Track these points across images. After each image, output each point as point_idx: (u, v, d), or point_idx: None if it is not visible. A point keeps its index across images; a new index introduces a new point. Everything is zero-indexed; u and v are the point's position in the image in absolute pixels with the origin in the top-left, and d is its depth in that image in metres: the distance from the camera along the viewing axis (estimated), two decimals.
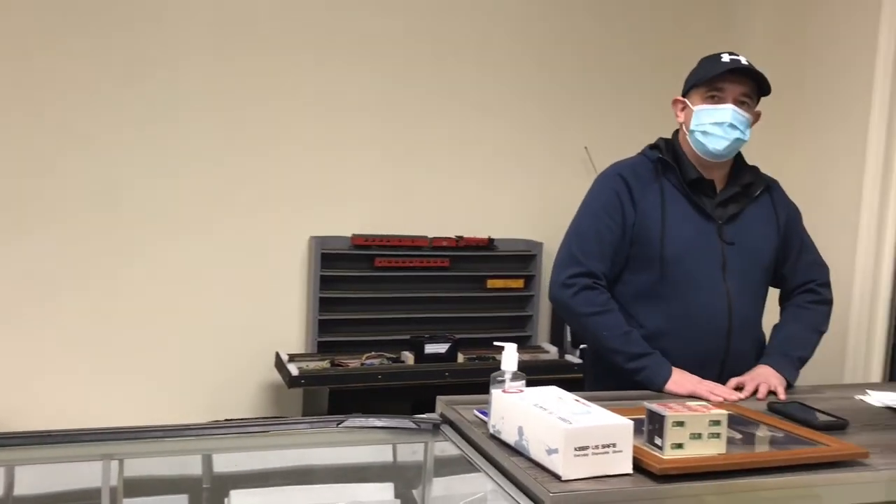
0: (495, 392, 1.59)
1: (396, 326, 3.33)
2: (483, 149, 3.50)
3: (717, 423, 1.43)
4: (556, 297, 2.11)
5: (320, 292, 3.23)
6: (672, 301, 2.05)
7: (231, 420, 2.95)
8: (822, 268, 2.25)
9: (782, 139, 3.55)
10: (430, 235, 3.37)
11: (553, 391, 1.57)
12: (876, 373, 3.16)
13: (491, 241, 3.45)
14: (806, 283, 2.21)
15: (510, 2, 3.50)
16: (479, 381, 3.11)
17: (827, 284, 2.24)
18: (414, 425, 1.76)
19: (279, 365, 3.10)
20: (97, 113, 3.03)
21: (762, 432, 1.62)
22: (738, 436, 1.59)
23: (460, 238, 3.39)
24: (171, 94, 3.11)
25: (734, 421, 1.68)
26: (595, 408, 1.46)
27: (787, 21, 3.59)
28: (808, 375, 3.18)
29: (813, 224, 3.37)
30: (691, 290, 2.04)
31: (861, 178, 3.22)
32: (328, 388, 2.94)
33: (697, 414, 1.43)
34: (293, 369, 2.93)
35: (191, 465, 1.84)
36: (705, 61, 2.09)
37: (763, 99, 2.08)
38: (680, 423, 1.41)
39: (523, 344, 3.48)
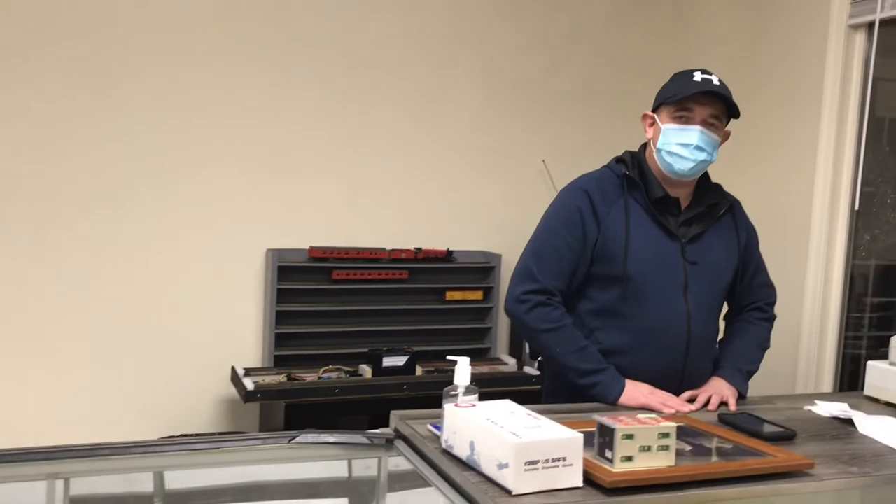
0: (448, 406, 1.59)
1: (355, 339, 3.31)
2: (442, 161, 3.51)
3: (666, 435, 1.45)
4: (510, 311, 2.11)
5: (277, 305, 3.20)
6: (633, 318, 2.05)
7: (183, 436, 2.93)
8: (772, 289, 2.29)
9: (733, 155, 3.60)
10: (389, 247, 3.37)
11: (506, 405, 1.58)
12: (827, 383, 3.22)
13: (450, 253, 3.45)
14: (756, 301, 2.24)
15: (468, 15, 3.52)
16: (438, 394, 3.10)
17: (773, 304, 2.28)
18: (367, 441, 1.75)
19: (235, 379, 3.06)
20: (52, 129, 2.98)
21: (711, 444, 1.64)
22: (688, 447, 1.60)
23: (419, 250, 3.39)
24: (127, 108, 3.07)
25: (684, 433, 1.70)
26: (546, 421, 1.46)
27: (740, 33, 3.67)
28: (762, 386, 3.23)
29: (765, 237, 3.44)
30: (652, 308, 2.04)
31: (811, 193, 3.29)
32: (284, 403, 2.91)
33: (647, 427, 1.45)
34: (249, 384, 2.90)
35: (141, 484, 1.81)
36: (677, 78, 2.05)
37: None
38: (629, 436, 1.42)
39: (482, 356, 3.49)
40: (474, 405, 1.57)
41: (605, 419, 1.47)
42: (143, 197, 3.12)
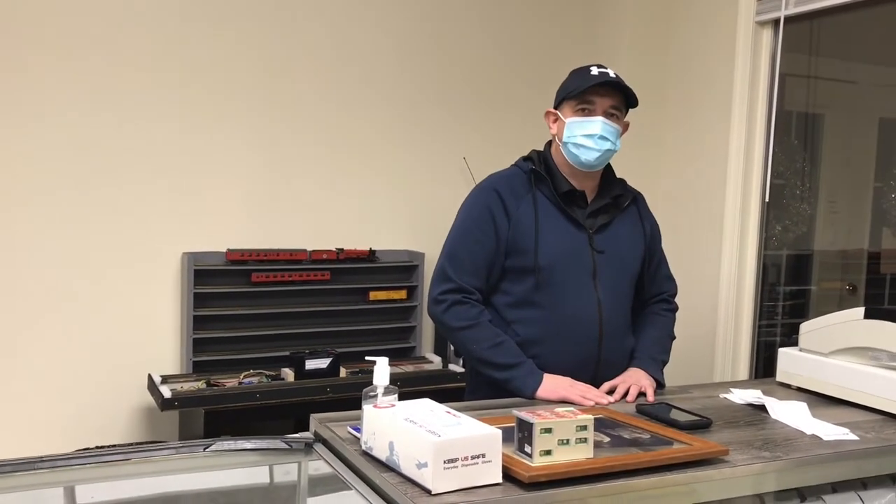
0: (367, 407, 1.57)
1: (276, 343, 3.26)
2: (362, 159, 3.48)
3: (583, 427, 1.46)
4: (430, 312, 2.16)
5: (194, 310, 3.12)
6: (546, 309, 2.09)
7: (97, 448, 2.82)
8: (673, 281, 2.37)
9: (649, 152, 3.69)
10: (310, 248, 3.32)
11: (425, 404, 1.56)
12: (743, 371, 3.32)
13: (372, 252, 3.42)
14: (661, 293, 2.31)
15: (386, 13, 3.50)
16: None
17: (675, 295, 2.35)
18: (286, 445, 1.72)
19: (152, 387, 2.97)
20: None
21: (629, 434, 1.66)
22: (606, 439, 1.62)
23: (341, 250, 3.35)
24: (35, 106, 2.95)
25: (603, 424, 1.72)
26: (466, 419, 1.45)
27: (652, 34, 3.74)
28: (681, 375, 3.31)
29: (680, 230, 3.53)
30: (564, 297, 2.09)
31: (724, 186, 3.38)
32: (203, 410, 2.84)
33: (565, 420, 1.45)
34: (165, 391, 2.81)
35: (51, 500, 1.73)
36: (575, 74, 2.14)
37: (630, 110, 2.15)
38: (548, 430, 1.42)
39: (407, 355, 3.47)
40: (393, 405, 1.55)
41: (524, 414, 1.47)
42: (52, 200, 3.00)
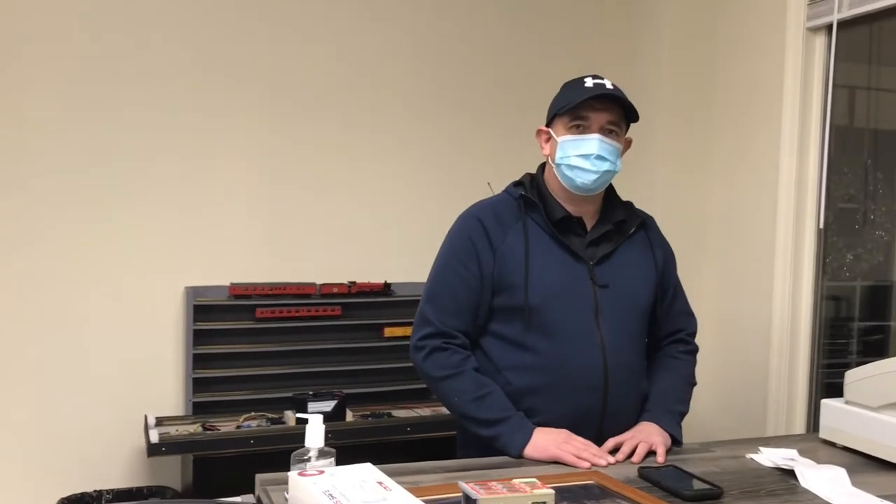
0: (292, 474, 1.33)
1: (282, 382, 3.04)
2: (375, 187, 3.26)
3: None
4: (411, 360, 1.93)
5: (195, 347, 2.94)
6: (540, 353, 1.84)
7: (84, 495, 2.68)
8: (692, 318, 2.07)
9: (691, 175, 3.37)
10: (319, 282, 3.11)
11: (360, 471, 1.32)
12: (799, 424, 2.94)
13: (387, 285, 3.20)
14: (676, 331, 2.03)
15: (401, 33, 3.29)
16: (372, 440, 2.86)
17: (694, 334, 2.05)
18: None
19: (146, 429, 2.80)
20: None
21: None
22: None
23: (353, 284, 3.14)
24: (28, 138, 2.84)
25: (589, 494, 1.44)
26: (396, 494, 1.20)
27: (693, 45, 3.43)
28: (727, 428, 2.95)
29: (728, 261, 3.18)
30: (560, 339, 1.83)
31: (774, 210, 3.03)
32: (192, 456, 2.65)
33: (517, 495, 1.19)
34: (154, 435, 2.63)
35: None
36: (567, 87, 1.90)
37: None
38: None
39: (425, 397, 3.21)
40: (322, 472, 1.31)
41: (469, 486, 1.22)
42: (49, 232, 2.87)
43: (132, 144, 2.96)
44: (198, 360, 2.96)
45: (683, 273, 2.10)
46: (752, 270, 3.12)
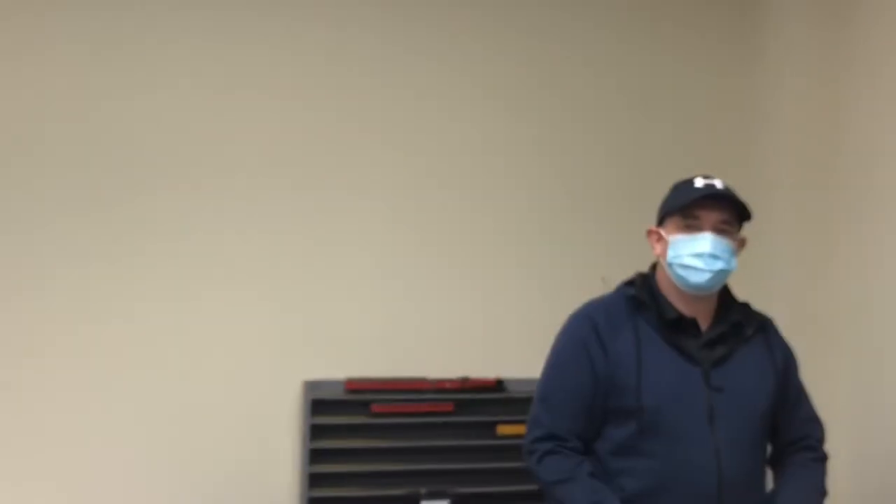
0: None
1: (396, 479, 3.03)
2: (489, 280, 3.28)
3: None
4: (525, 464, 1.93)
5: (311, 443, 2.99)
6: (652, 458, 1.80)
7: None
8: (819, 424, 1.98)
9: (817, 274, 3.20)
10: (432, 377, 3.13)
11: None
12: None
13: (500, 382, 3.17)
14: (802, 438, 1.93)
15: (525, 128, 3.34)
16: None
17: (823, 441, 1.95)
18: None
19: None
20: (64, 241, 2.95)
21: None
22: None
23: (465, 379, 3.13)
24: (138, 224, 3.00)
25: None
26: None
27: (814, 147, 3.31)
28: None
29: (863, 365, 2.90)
30: (674, 444, 1.79)
31: None
32: None
33: None
34: None
35: None
36: (677, 188, 1.92)
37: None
38: None
39: (538, 500, 3.13)
40: None
41: None
42: (174, 324, 3.01)
43: (255, 240, 3.09)
44: (314, 456, 3.00)
45: (810, 376, 1.99)
46: (890, 369, 2.91)
